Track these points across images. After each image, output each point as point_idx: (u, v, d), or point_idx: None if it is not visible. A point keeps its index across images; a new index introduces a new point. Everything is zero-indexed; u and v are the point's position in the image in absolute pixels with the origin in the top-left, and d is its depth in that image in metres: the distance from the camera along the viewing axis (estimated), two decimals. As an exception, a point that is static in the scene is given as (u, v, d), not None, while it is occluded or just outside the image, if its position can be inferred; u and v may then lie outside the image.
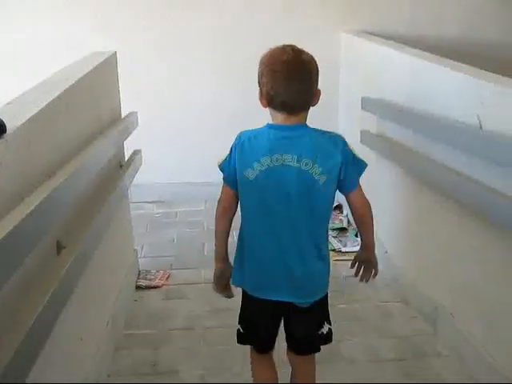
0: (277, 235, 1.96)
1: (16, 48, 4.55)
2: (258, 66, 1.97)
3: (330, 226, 4.43)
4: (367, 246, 2.23)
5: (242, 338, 2.17)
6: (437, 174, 2.82)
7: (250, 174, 1.95)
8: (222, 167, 2.10)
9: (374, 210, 4.07)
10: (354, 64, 4.53)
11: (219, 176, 3.84)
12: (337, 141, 1.99)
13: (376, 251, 3.84)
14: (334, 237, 4.29)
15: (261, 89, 1.95)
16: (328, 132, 2.05)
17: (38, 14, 4.58)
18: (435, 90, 2.97)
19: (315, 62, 1.97)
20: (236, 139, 2.05)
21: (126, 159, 3.26)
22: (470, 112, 2.56)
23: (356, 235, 4.27)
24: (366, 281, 2.22)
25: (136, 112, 3.28)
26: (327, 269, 2.09)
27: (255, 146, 1.97)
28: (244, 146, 2.00)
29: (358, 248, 4.00)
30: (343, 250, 4.11)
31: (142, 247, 4.11)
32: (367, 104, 3.82)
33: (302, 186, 1.91)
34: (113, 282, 3.03)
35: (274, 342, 2.17)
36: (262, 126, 2.02)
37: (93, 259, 2.20)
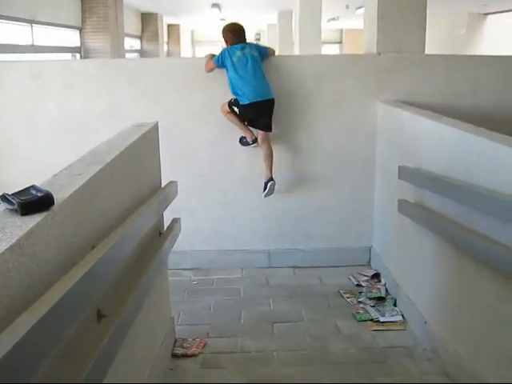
0: (246, 75, 4.48)
1: (68, 117, 4.76)
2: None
3: (368, 295, 4.39)
4: None
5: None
6: (477, 245, 2.78)
7: (235, 58, 4.48)
8: (215, 61, 4.58)
9: (411, 279, 4.13)
10: (390, 133, 4.57)
11: (255, 244, 5.14)
12: (257, 44, 4.96)
13: (415, 322, 3.79)
14: (372, 306, 4.21)
15: (226, 40, 4.67)
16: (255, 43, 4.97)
17: (91, 85, 4.83)
18: (474, 160, 2.97)
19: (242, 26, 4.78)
20: (224, 51, 4.56)
21: (165, 227, 3.31)
22: (509, 182, 2.55)
23: (394, 304, 4.21)
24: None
25: (176, 182, 3.35)
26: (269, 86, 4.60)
27: (235, 48, 4.53)
28: (231, 49, 4.53)
29: (396, 318, 3.93)
30: (381, 319, 4.02)
31: (179, 314, 4.10)
32: (404, 173, 3.83)
33: (252, 56, 4.51)
34: (149, 349, 3.02)
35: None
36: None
37: (132, 327, 2.22)
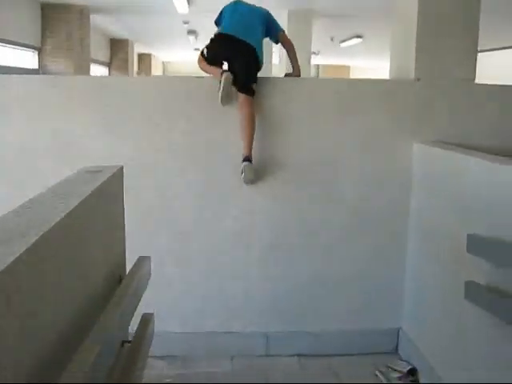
0: (235, 19, 3.65)
1: (10, 150, 3.54)
2: None
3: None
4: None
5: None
6: None
7: (234, 8, 3.74)
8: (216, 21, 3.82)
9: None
10: (434, 183, 3.44)
11: (248, 325, 3.80)
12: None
13: None
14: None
15: None
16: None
17: (39, 114, 3.56)
18: None
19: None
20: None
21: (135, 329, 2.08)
22: None
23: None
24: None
25: (149, 258, 2.14)
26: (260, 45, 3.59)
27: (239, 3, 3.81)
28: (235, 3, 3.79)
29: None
30: None
31: None
32: (476, 245, 2.68)
33: (257, 13, 3.73)
34: None
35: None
36: None
37: None
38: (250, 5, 3.81)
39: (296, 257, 3.77)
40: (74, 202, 1.39)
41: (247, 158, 3.46)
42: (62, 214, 1.28)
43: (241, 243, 3.73)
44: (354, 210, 3.76)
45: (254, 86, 3.53)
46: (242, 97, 3.49)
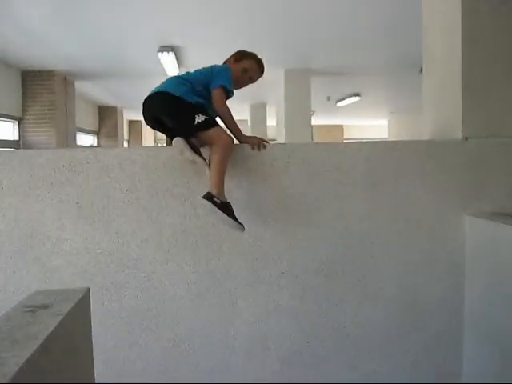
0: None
1: None
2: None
3: None
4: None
5: None
6: None
7: None
8: None
9: None
10: (491, 266, 2.70)
11: None
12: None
13: None
14: None
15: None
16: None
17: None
18: None
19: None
20: None
21: None
22: None
23: None
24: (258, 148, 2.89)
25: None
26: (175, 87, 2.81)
27: None
28: None
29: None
30: None
31: None
32: None
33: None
34: None
35: None
36: None
37: None
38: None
39: (324, 367, 2.99)
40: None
41: (214, 196, 2.62)
42: None
43: (255, 353, 2.94)
44: (391, 305, 2.99)
45: (200, 117, 2.70)
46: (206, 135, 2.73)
